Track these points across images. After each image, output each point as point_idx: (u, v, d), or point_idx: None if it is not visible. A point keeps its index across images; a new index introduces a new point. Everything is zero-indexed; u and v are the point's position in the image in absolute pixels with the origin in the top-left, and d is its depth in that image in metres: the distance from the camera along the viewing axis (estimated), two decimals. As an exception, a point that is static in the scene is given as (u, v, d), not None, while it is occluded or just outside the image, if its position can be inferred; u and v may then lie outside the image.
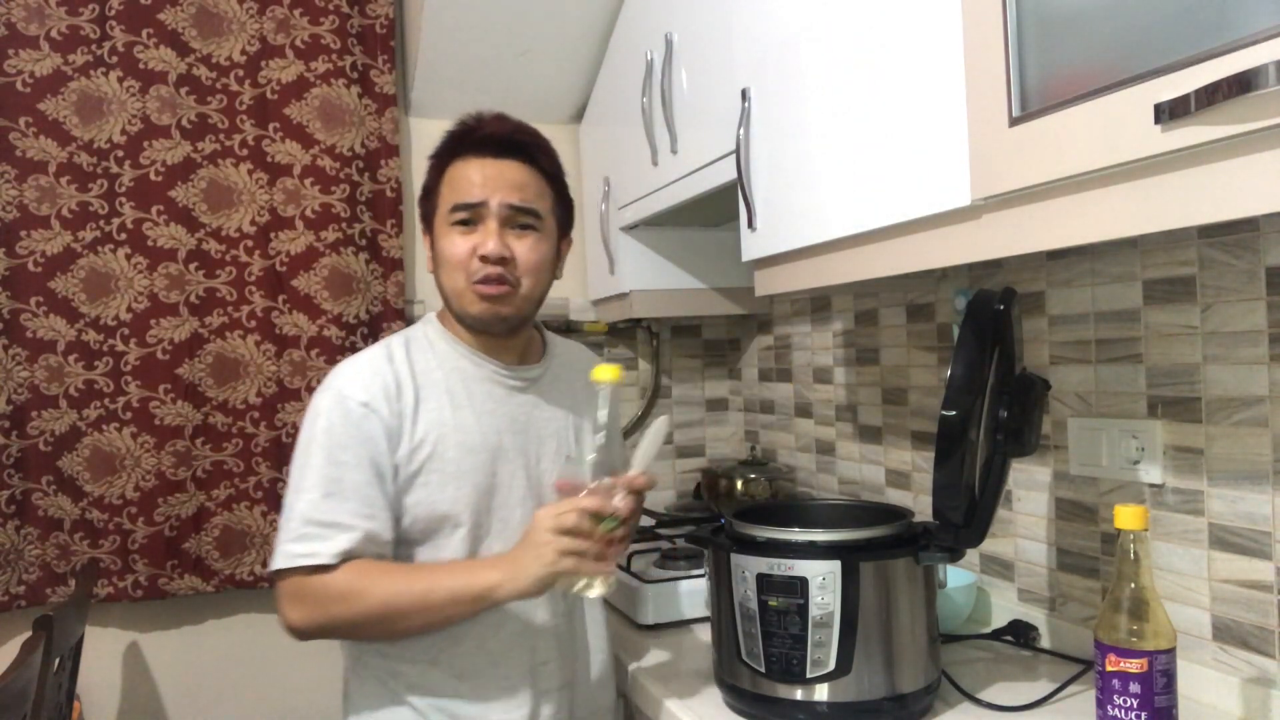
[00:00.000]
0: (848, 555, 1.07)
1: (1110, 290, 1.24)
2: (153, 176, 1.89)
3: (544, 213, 1.20)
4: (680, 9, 1.61)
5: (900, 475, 1.69)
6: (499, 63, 2.05)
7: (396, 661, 1.16)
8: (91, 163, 1.86)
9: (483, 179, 1.16)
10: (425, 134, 2.15)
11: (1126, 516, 0.94)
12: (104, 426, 1.86)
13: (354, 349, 1.95)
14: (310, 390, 1.92)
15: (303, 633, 1.11)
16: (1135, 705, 0.92)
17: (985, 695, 1.16)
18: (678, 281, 1.99)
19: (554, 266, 1.24)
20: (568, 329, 2.20)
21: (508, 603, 1.08)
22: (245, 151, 1.95)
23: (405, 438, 1.14)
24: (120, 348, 1.87)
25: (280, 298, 1.97)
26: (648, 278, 1.97)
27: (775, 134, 1.32)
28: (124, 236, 1.87)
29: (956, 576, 1.43)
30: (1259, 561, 1.06)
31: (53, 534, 1.84)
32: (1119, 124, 0.76)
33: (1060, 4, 0.85)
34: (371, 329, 2.03)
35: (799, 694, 1.09)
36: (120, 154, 1.87)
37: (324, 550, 1.07)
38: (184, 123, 1.91)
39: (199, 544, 1.91)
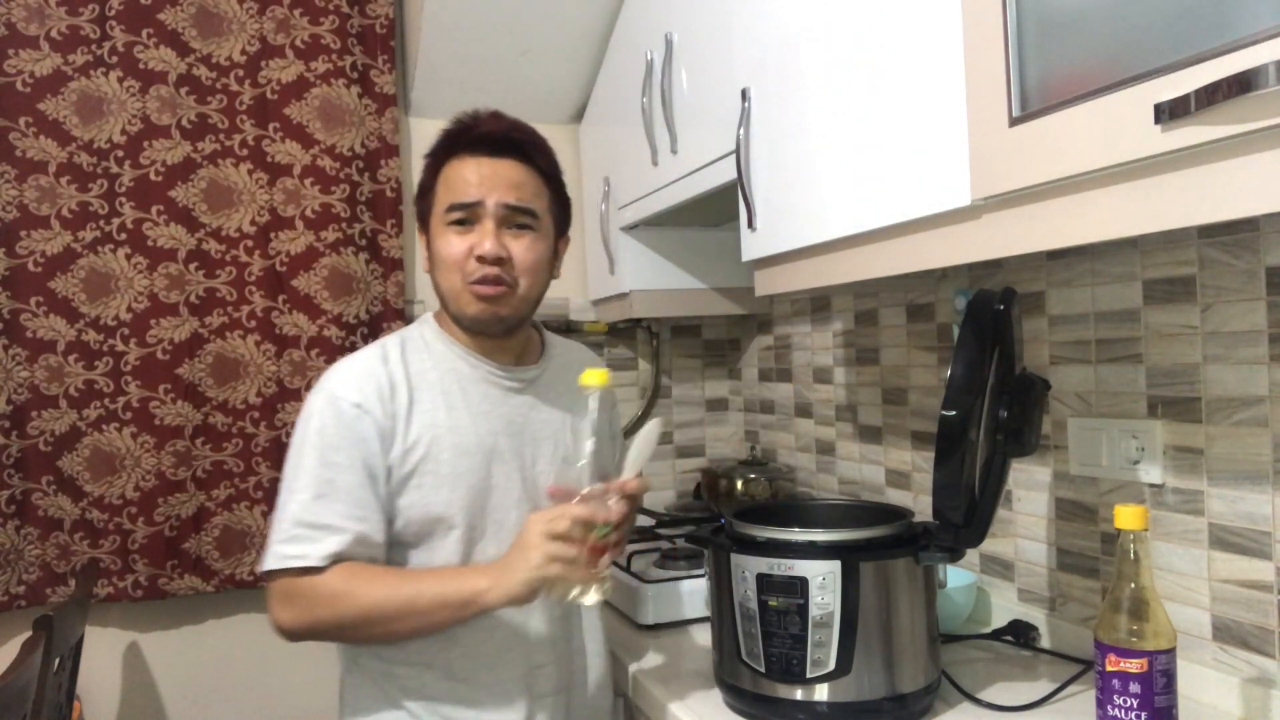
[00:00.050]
0: (848, 555, 1.07)
1: (1110, 290, 1.24)
2: (153, 176, 1.89)
3: (541, 212, 1.19)
4: (680, 9, 1.61)
5: (900, 475, 1.69)
6: (499, 63, 2.05)
7: (392, 664, 1.16)
8: (91, 163, 1.86)
9: (479, 178, 1.15)
10: (425, 134, 2.14)
11: (1126, 516, 0.94)
12: (104, 426, 1.86)
13: (354, 349, 1.94)
14: (310, 390, 1.92)
15: (291, 634, 1.10)
16: (1135, 705, 0.92)
17: (985, 695, 1.16)
18: (678, 281, 1.99)
19: (551, 266, 1.23)
20: (568, 329, 2.20)
21: (498, 609, 1.07)
22: (245, 151, 1.95)
23: (399, 439, 1.13)
24: (120, 348, 1.87)
25: (280, 298, 1.97)
26: (648, 278, 1.97)
27: (775, 134, 1.32)
28: (124, 236, 1.87)
29: (956, 576, 1.43)
30: (1259, 561, 1.06)
31: (53, 534, 1.84)
32: (1119, 124, 0.76)
33: (1060, 4, 0.85)
34: (371, 329, 2.03)
35: (799, 694, 1.09)
36: (120, 154, 1.87)
37: (313, 552, 1.07)
38: (184, 123, 1.91)
39: (199, 544, 1.91)
